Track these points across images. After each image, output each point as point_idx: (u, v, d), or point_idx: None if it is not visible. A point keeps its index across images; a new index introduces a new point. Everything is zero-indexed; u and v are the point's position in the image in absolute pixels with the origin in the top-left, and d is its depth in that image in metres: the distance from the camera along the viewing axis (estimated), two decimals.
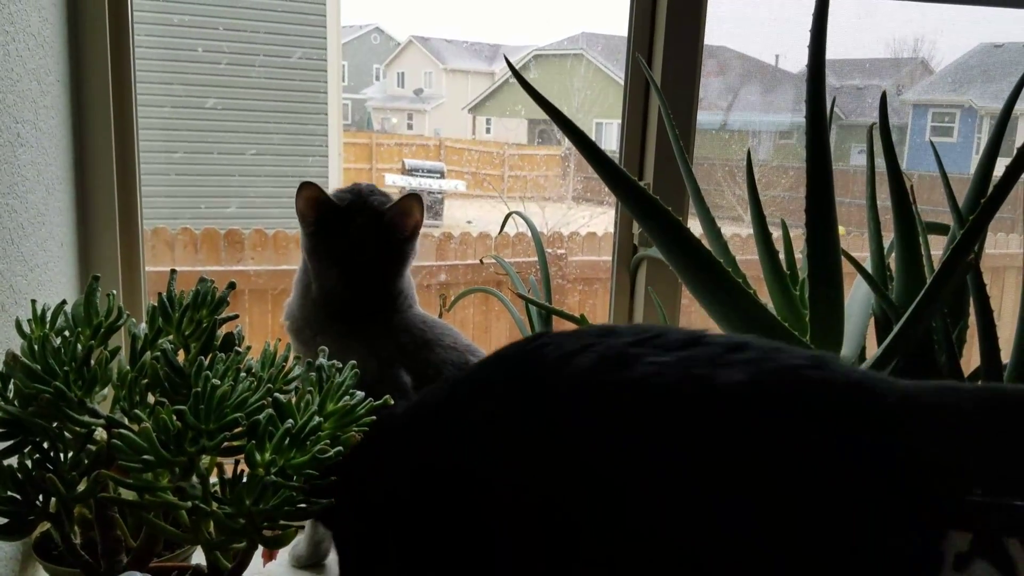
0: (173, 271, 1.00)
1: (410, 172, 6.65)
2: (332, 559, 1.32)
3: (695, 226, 1.25)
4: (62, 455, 0.88)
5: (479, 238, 3.70)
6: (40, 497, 0.87)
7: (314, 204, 1.18)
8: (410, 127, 9.15)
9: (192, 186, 5.44)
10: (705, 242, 1.16)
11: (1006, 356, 1.09)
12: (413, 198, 1.19)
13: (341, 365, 0.93)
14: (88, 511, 0.97)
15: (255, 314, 3.36)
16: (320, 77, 5.88)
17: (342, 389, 0.88)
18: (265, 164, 5.53)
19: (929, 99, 6.17)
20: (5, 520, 0.86)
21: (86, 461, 0.88)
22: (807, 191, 1.05)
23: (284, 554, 1.31)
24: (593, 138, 1.05)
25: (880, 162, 1.10)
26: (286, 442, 0.82)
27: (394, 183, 6.68)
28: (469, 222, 5.68)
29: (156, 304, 0.97)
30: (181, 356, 0.97)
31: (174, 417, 0.81)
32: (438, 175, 6.55)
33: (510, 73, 1.10)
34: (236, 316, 0.99)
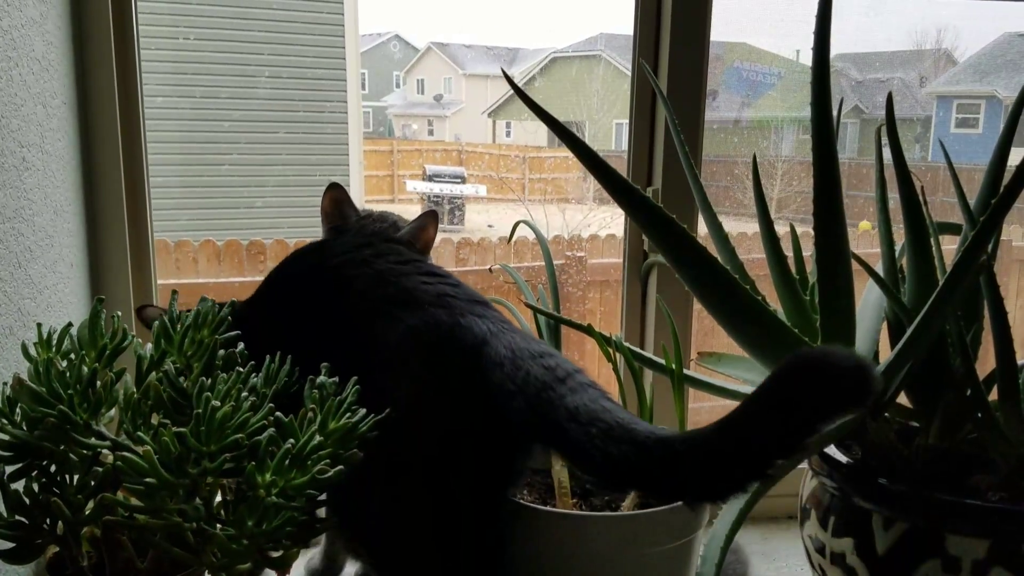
0: (174, 292, 1.01)
1: (431, 178, 6.66)
2: (347, 573, 1.32)
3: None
4: (68, 478, 0.88)
5: (499, 243, 3.69)
6: (47, 520, 0.87)
7: (336, 203, 1.27)
8: (431, 133, 9.19)
9: (215, 198, 5.49)
10: (711, 247, 1.15)
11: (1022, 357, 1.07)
12: (429, 215, 1.26)
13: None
14: (99, 532, 0.98)
15: None
16: (340, 86, 5.92)
17: (344, 407, 0.88)
18: (286, 174, 5.57)
19: (953, 90, 6.08)
20: (12, 544, 0.86)
21: (92, 483, 0.88)
22: (814, 194, 1.03)
23: (299, 568, 1.32)
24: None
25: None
26: (286, 463, 0.82)
27: (415, 189, 6.70)
28: (490, 226, 5.68)
29: (159, 325, 0.98)
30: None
31: (175, 439, 0.81)
32: (459, 180, 6.55)
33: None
34: (238, 334, 0.99)
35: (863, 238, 3.20)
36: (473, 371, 0.94)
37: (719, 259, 1.06)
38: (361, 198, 6.14)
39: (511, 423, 0.93)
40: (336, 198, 1.28)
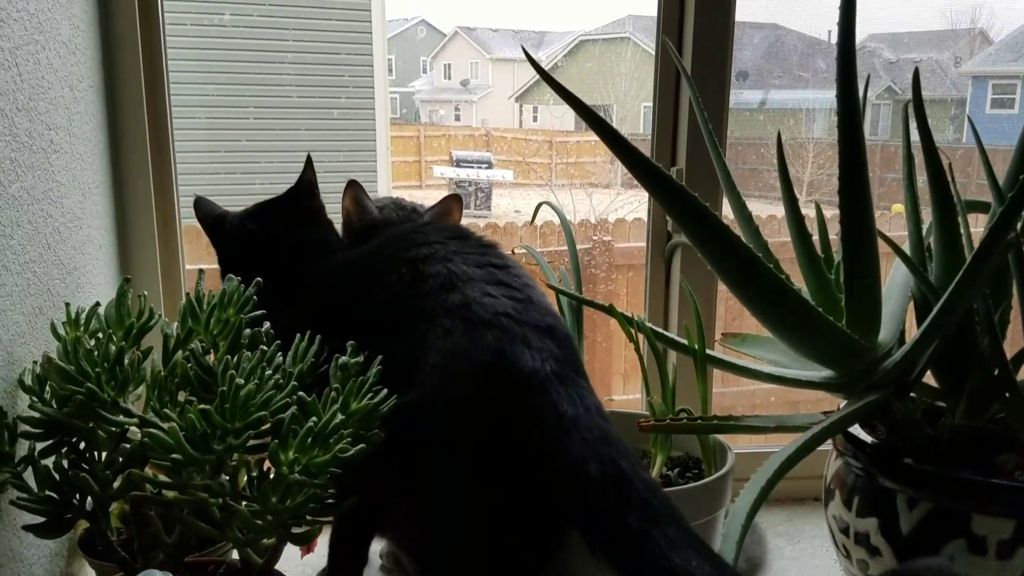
0: (201, 271, 1.02)
1: (458, 163, 6.67)
2: (372, 552, 1.33)
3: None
4: (97, 454, 0.90)
5: (524, 228, 3.69)
6: (77, 496, 0.89)
7: (356, 201, 1.25)
8: (458, 118, 9.19)
9: (242, 184, 5.52)
10: (736, 228, 1.14)
11: None
12: (453, 199, 1.25)
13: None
14: (128, 508, 0.99)
15: None
16: (367, 72, 5.92)
17: (366, 387, 0.88)
18: (315, 160, 5.59)
19: (989, 70, 5.97)
20: (43, 519, 0.88)
21: (120, 460, 0.90)
22: (840, 170, 1.02)
23: (325, 547, 1.33)
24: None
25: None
26: (309, 441, 0.82)
27: (442, 175, 6.70)
28: (517, 212, 5.67)
29: (185, 304, 0.99)
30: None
31: (200, 417, 0.82)
32: (486, 165, 6.55)
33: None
34: (264, 313, 1.00)
35: (896, 221, 3.16)
36: (512, 418, 0.87)
37: (743, 238, 1.05)
38: (388, 184, 6.15)
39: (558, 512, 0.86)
40: (357, 196, 1.25)
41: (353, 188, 1.25)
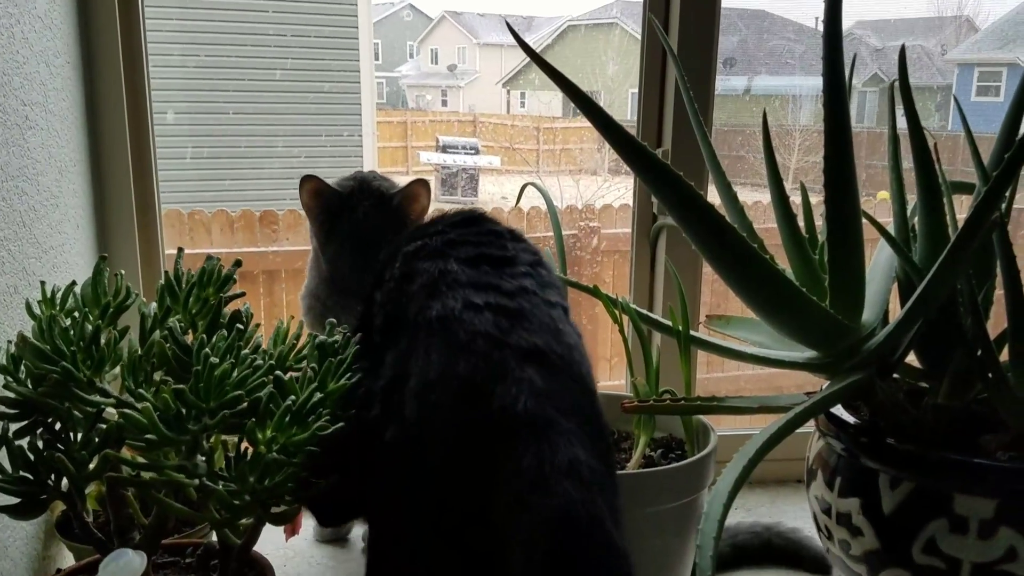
0: (180, 249, 1.00)
1: (445, 149, 6.64)
2: (355, 535, 1.33)
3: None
4: (72, 435, 0.89)
5: (511, 214, 3.67)
6: (52, 477, 0.88)
7: (316, 195, 1.21)
8: (444, 103, 9.16)
9: (227, 168, 5.49)
10: (722, 210, 1.13)
11: None
12: (420, 184, 1.22)
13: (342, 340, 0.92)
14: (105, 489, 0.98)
15: (292, 292, 3.39)
16: (352, 56, 5.89)
17: (343, 367, 0.87)
18: (300, 145, 5.56)
19: (975, 58, 5.99)
20: (17, 500, 0.86)
21: (96, 440, 0.88)
22: (825, 152, 1.01)
23: (308, 529, 1.33)
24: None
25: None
26: (287, 419, 0.81)
27: (429, 160, 6.68)
28: (504, 198, 5.66)
29: (164, 283, 0.98)
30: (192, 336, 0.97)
31: (174, 396, 0.81)
32: (473, 151, 6.53)
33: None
34: (243, 294, 0.99)
35: (881, 207, 3.17)
36: (474, 466, 0.74)
37: (728, 219, 1.05)
38: (375, 170, 6.13)
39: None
40: (314, 189, 1.20)
41: (308, 182, 1.20)
